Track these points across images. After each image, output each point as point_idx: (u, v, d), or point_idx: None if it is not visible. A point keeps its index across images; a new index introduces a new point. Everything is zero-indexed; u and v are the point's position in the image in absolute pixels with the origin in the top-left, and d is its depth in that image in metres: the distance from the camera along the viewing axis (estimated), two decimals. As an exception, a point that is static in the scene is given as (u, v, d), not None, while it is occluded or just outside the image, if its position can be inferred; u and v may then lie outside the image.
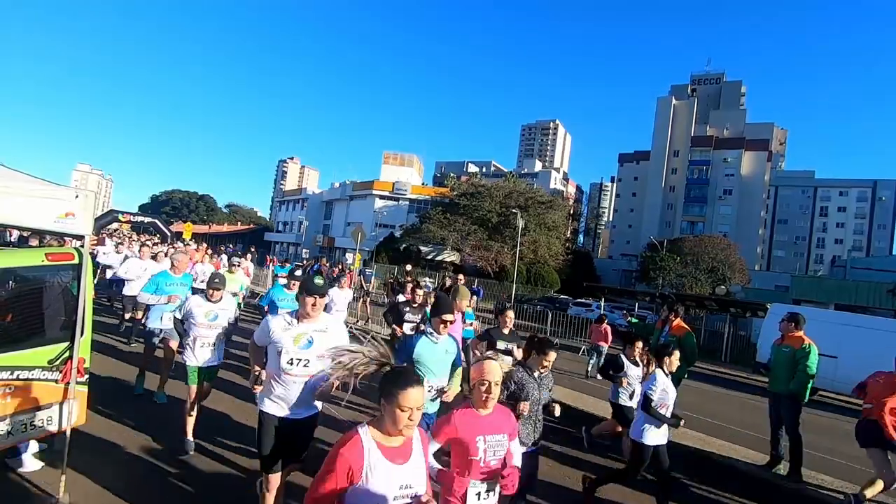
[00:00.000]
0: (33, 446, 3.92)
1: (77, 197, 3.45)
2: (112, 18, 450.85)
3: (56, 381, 3.53)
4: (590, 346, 12.01)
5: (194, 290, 9.95)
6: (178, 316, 4.95)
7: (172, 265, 6.33)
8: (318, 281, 3.09)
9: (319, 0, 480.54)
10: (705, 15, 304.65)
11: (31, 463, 3.90)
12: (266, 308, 6.48)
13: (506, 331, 5.32)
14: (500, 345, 5.09)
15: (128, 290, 8.77)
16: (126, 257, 12.56)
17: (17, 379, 3.34)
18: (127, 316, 8.79)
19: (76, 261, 3.63)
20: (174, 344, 5.67)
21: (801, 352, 5.61)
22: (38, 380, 3.45)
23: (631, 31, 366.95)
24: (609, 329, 11.61)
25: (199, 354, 4.73)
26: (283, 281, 13.85)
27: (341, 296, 8.57)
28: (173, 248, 18.78)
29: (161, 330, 6.01)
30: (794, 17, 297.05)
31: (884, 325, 12.95)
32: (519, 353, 4.97)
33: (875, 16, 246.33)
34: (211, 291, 4.84)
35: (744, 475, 5.64)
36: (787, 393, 5.66)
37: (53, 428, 3.56)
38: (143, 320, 8.35)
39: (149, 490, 3.88)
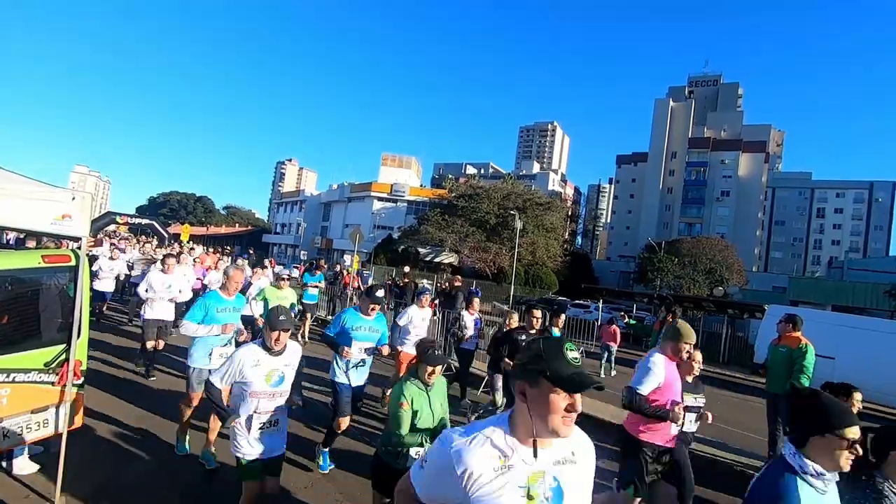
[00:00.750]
0: (29, 449, 3.91)
1: (74, 199, 3.44)
2: (111, 19, 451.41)
3: (52, 383, 3.52)
4: (601, 346, 12.82)
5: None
6: (218, 381, 3.06)
7: (224, 285, 4.86)
8: (575, 356, 1.41)
9: (318, 1, 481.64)
10: (702, 17, 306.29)
11: (27, 466, 3.88)
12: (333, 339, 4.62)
13: (689, 378, 3.77)
14: (688, 399, 3.68)
15: (150, 313, 7.10)
16: (131, 269, 11.19)
17: (14, 381, 3.33)
18: (149, 345, 6.98)
19: (73, 263, 3.62)
20: (196, 398, 4.50)
21: (797, 352, 5.63)
22: (35, 382, 3.44)
23: (629, 33, 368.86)
24: (618, 330, 12.63)
25: (259, 442, 3.01)
26: (314, 291, 11.75)
27: (420, 316, 6.61)
28: (182, 250, 18.38)
29: (210, 371, 4.01)
30: (791, 19, 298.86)
31: (881, 327, 12.97)
32: (709, 417, 3.84)
33: (872, 17, 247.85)
34: (276, 336, 3.04)
35: (741, 475, 5.64)
36: (784, 393, 5.68)
37: (50, 431, 3.55)
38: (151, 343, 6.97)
39: (145, 494, 3.86)
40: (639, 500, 3.47)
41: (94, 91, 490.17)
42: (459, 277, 14.00)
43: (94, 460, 4.19)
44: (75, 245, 8.06)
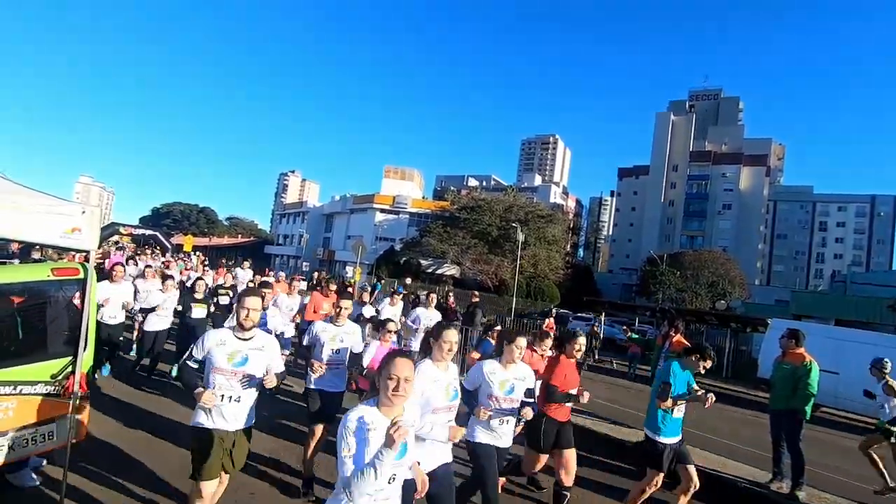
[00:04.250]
0: (32, 461, 3.92)
1: (84, 213, 3.50)
2: (112, 32, 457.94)
3: (58, 395, 3.54)
4: (630, 354, 16.54)
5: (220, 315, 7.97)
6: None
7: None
8: None
9: (320, 16, 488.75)
10: (702, 32, 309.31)
11: (30, 478, 3.88)
12: None
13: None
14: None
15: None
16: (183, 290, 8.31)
17: (20, 394, 3.35)
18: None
19: (81, 276, 3.67)
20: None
21: (802, 369, 5.61)
22: (41, 394, 3.47)
23: (629, 47, 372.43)
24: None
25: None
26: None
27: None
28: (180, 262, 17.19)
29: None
30: (791, 34, 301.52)
31: (884, 341, 12.90)
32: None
33: (872, 31, 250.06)
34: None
35: (745, 492, 5.60)
36: (787, 409, 5.65)
37: (54, 443, 3.57)
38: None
39: (148, 506, 3.85)
40: None
41: (100, 101, 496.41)
42: (476, 293, 13.18)
43: (97, 473, 4.19)
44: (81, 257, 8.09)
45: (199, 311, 7.60)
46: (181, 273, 14.62)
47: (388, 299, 9.21)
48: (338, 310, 4.54)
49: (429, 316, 8.08)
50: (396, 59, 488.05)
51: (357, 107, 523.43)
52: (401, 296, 10.21)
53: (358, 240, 20.00)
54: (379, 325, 5.32)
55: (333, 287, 8.63)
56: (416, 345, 7.60)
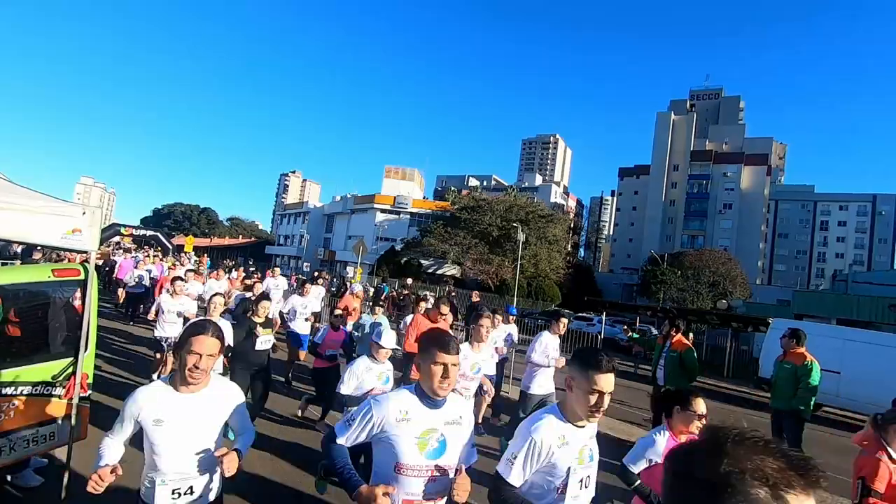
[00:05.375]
0: (34, 461, 3.92)
1: (84, 213, 3.51)
2: (114, 34, 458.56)
3: (59, 396, 3.55)
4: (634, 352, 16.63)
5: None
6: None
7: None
8: None
9: (321, 18, 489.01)
10: (703, 31, 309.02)
11: (32, 479, 3.89)
12: None
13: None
14: None
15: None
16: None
17: (21, 394, 3.36)
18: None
19: (82, 276, 3.67)
20: None
21: (802, 368, 5.61)
22: (42, 395, 3.47)
23: (630, 47, 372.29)
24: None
25: None
26: None
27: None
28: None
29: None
30: (792, 33, 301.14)
31: (886, 341, 12.86)
32: None
33: (873, 30, 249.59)
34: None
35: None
36: (789, 409, 5.65)
37: (56, 443, 3.57)
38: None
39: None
40: None
41: (102, 103, 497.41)
42: (477, 293, 13.33)
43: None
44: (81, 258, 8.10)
45: (264, 342, 5.39)
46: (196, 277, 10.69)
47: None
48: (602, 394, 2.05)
49: (555, 346, 5.94)
50: (396, 59, 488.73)
51: (358, 107, 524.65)
52: (513, 318, 8.47)
53: (359, 240, 20.01)
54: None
55: (446, 309, 5.78)
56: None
